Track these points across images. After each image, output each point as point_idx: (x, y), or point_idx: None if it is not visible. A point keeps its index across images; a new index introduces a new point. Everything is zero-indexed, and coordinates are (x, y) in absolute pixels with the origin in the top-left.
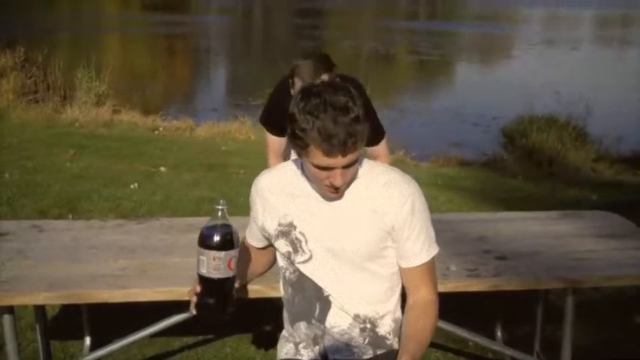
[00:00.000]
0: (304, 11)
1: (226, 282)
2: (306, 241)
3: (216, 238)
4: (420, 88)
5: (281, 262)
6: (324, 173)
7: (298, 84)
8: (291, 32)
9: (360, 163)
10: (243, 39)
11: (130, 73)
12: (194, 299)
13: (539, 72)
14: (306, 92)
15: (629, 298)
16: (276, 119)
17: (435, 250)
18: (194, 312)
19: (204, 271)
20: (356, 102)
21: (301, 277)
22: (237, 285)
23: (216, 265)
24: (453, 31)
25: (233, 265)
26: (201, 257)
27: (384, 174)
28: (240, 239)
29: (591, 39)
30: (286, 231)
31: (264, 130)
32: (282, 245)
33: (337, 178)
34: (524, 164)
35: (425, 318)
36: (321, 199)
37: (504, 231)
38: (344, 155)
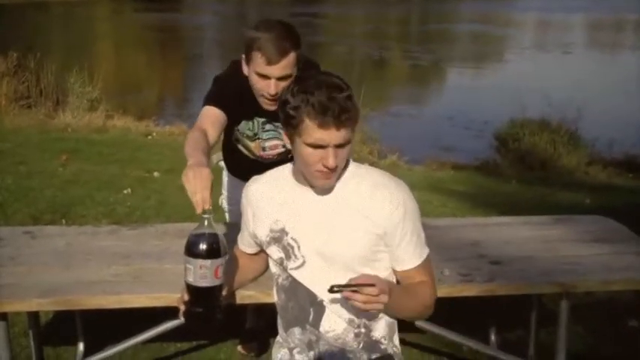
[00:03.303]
0: (297, 16)
1: (213, 290)
2: (299, 247)
3: (203, 247)
4: (412, 93)
5: (273, 268)
6: (317, 155)
7: (259, 59)
8: None
9: (351, 164)
10: (236, 44)
11: (123, 78)
12: (183, 308)
13: (531, 76)
14: (298, 78)
15: (623, 303)
16: (227, 100)
17: (425, 251)
18: (183, 320)
19: (191, 280)
20: (349, 86)
21: (294, 282)
22: (225, 292)
23: (202, 273)
24: (445, 33)
25: (220, 273)
26: (188, 266)
27: (375, 178)
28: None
29: (583, 43)
30: (278, 237)
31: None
32: (274, 251)
33: (330, 159)
34: (517, 168)
35: (419, 291)
36: (313, 204)
37: (498, 236)
38: (338, 129)
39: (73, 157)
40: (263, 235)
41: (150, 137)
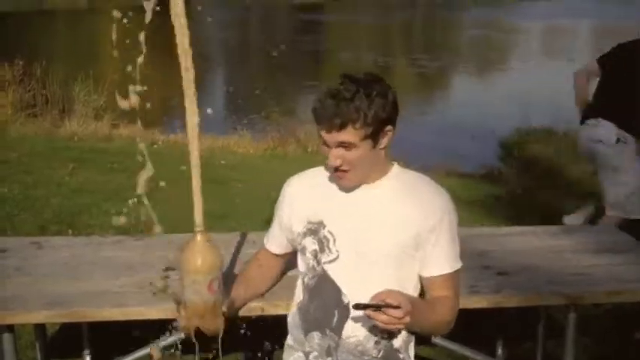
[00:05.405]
0: (302, 23)
1: (208, 305)
2: (335, 241)
3: (194, 262)
4: (417, 100)
5: (302, 266)
6: (327, 151)
7: None
8: (289, 45)
9: (395, 167)
10: (242, 51)
11: (127, 86)
12: (182, 323)
13: (537, 83)
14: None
15: (631, 313)
16: None
17: (457, 264)
18: (183, 336)
19: (185, 295)
20: (357, 91)
21: (321, 282)
22: (225, 307)
23: (196, 289)
24: (450, 40)
25: (215, 287)
26: (183, 281)
27: (416, 181)
28: (233, 256)
29: (589, 50)
30: (315, 229)
31: None
32: (309, 243)
33: (330, 158)
34: (523, 177)
35: (441, 307)
36: (353, 201)
37: (504, 246)
38: (335, 130)
39: (79, 166)
40: (300, 226)
41: (156, 146)
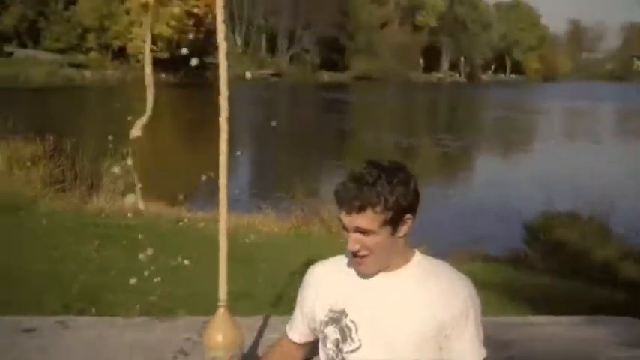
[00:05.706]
0: (326, 102)
1: None
2: (357, 330)
3: (216, 337)
4: (440, 181)
5: (323, 357)
6: (347, 236)
7: None
8: (314, 124)
9: (417, 254)
10: (267, 131)
11: (156, 164)
12: None
13: (560, 165)
14: None
15: None
16: None
17: (482, 352)
18: None
19: None
20: (379, 176)
21: None
22: None
23: None
24: (474, 120)
25: None
26: (204, 357)
27: (440, 270)
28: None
29: (612, 132)
30: (337, 317)
31: None
32: (331, 332)
33: (350, 242)
34: (548, 261)
35: None
36: (375, 289)
37: (529, 336)
38: (354, 213)
39: (105, 242)
40: (322, 314)
41: (181, 223)
